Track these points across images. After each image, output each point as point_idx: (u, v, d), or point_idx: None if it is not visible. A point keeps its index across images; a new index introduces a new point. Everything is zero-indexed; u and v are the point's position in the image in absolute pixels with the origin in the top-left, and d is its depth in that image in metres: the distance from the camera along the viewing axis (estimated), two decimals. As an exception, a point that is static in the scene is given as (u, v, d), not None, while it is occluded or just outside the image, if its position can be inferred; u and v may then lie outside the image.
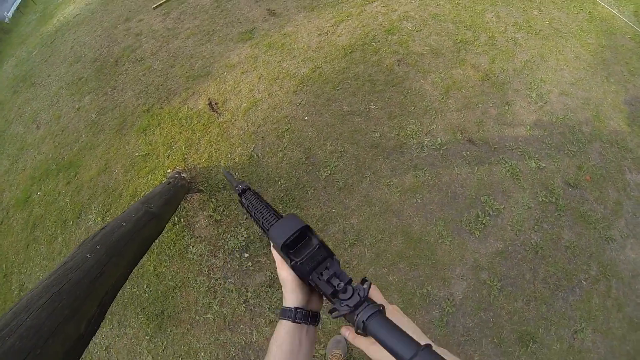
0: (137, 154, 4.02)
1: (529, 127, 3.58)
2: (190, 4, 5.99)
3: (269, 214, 0.85)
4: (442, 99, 3.76)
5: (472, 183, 3.23)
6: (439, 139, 3.45)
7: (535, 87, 3.89)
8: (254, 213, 0.90)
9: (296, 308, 0.77)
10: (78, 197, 4.03)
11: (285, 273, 0.78)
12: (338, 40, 4.52)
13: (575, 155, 3.45)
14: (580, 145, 3.51)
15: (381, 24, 4.63)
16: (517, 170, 3.30)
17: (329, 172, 3.38)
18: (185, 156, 3.79)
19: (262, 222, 0.85)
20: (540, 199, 3.17)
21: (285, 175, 3.45)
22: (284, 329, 0.76)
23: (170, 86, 4.59)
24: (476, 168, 3.30)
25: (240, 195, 0.98)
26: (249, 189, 0.99)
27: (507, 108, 3.70)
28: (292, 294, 0.78)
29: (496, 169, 3.30)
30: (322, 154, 3.51)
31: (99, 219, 3.73)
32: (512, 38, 4.40)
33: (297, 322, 0.76)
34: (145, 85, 4.75)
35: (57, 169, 4.43)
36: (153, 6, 6.26)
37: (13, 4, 13.32)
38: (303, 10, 5.11)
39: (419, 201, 3.15)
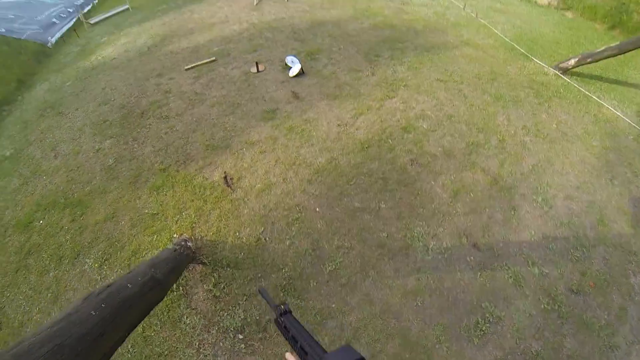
0: (146, 210, 4.05)
1: (533, 232, 3.60)
2: (220, 73, 6.30)
3: (314, 342, 0.85)
4: (451, 202, 3.82)
5: (474, 289, 3.21)
6: (444, 243, 3.47)
7: (542, 191, 3.97)
8: (295, 336, 0.89)
9: None
10: (80, 237, 4.01)
11: None
12: (356, 133, 4.68)
13: (579, 261, 3.45)
14: (584, 250, 3.52)
15: (399, 121, 4.83)
16: (520, 276, 3.28)
17: (333, 266, 3.38)
18: (194, 225, 3.80)
19: (305, 348, 0.84)
20: (542, 306, 3.13)
21: (290, 263, 3.43)
22: None
23: (190, 151, 4.70)
24: (479, 274, 3.29)
25: (281, 315, 0.98)
26: (291, 312, 1.00)
27: (513, 213, 3.75)
28: None
29: (499, 275, 3.29)
30: (329, 247, 3.51)
31: (96, 265, 3.70)
32: (521, 141, 4.55)
33: None
34: (166, 144, 4.88)
35: (65, 203, 4.46)
36: (185, 67, 6.59)
37: (58, 32, 14.06)
38: (326, 98, 5.36)
39: (420, 304, 3.12)
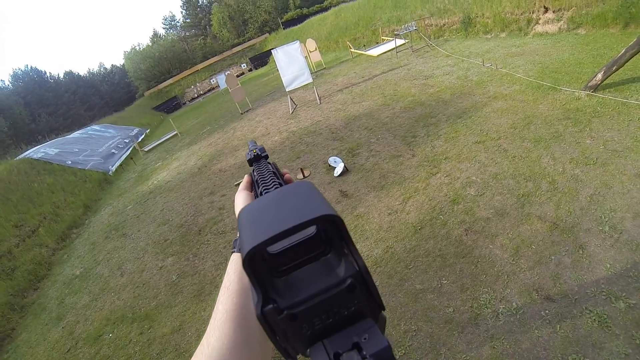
0: (212, 320, 4.17)
1: (608, 265, 3.31)
2: None
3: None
4: (513, 260, 3.66)
5: (556, 343, 2.93)
6: (514, 304, 3.27)
7: (607, 219, 3.70)
8: (258, 181, 0.71)
9: None
10: (148, 349, 4.18)
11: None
12: (407, 217, 4.72)
13: None
14: None
15: (446, 195, 4.84)
16: (605, 316, 2.96)
17: (403, 352, 3.26)
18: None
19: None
20: (638, 342, 2.75)
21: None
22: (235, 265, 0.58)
23: None
24: (558, 326, 3.02)
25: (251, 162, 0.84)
26: (267, 157, 0.85)
27: (581, 252, 3.50)
28: None
29: (581, 322, 2.99)
30: (396, 334, 3.42)
31: None
32: (572, 176, 4.36)
33: None
34: (225, 258, 5.15)
35: (133, 317, 4.74)
36: (235, 183, 7.17)
37: (117, 161, 15.79)
38: (373, 190, 5.52)
39: (500, 373, 2.88)
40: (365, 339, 0.34)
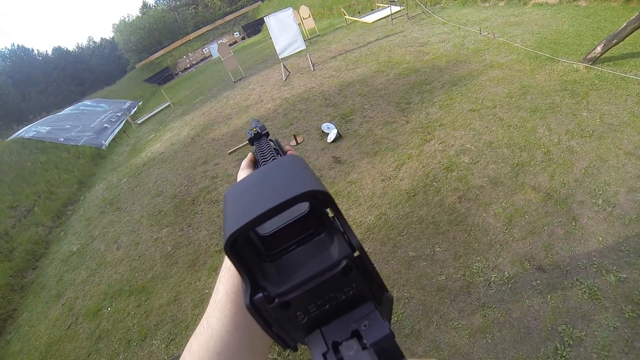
0: (207, 290, 4.25)
1: (600, 238, 3.33)
2: None
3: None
4: (506, 229, 3.68)
5: (546, 313, 2.98)
6: (506, 273, 3.31)
7: (600, 192, 3.72)
8: (258, 160, 0.71)
9: None
10: (146, 321, 4.26)
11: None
12: (401, 184, 4.71)
13: None
14: None
15: (440, 162, 4.82)
16: (595, 289, 3.01)
17: (395, 319, 3.31)
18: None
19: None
20: (627, 315, 2.80)
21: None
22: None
23: None
24: (549, 296, 3.06)
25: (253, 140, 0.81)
26: (267, 134, 0.82)
27: (574, 224, 3.52)
28: None
29: (571, 293, 3.04)
30: None
31: (163, 345, 3.87)
32: (567, 147, 4.35)
33: None
34: (219, 227, 5.17)
35: (130, 290, 4.82)
36: (228, 152, 7.12)
37: (110, 135, 15.64)
38: (366, 156, 5.49)
39: (490, 341, 2.94)
40: (365, 326, 0.32)
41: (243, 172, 0.69)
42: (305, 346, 0.34)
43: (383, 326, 0.31)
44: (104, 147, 14.08)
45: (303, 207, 0.40)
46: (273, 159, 0.61)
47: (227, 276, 0.52)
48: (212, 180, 6.62)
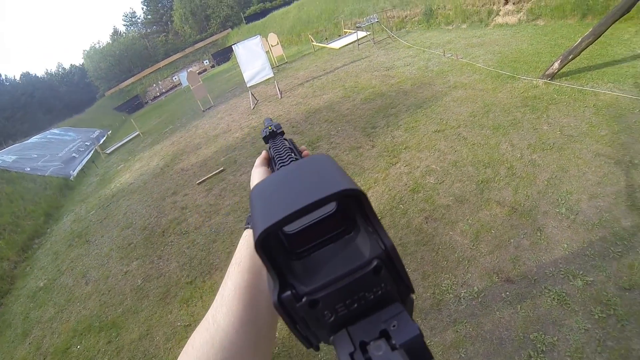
0: (179, 323, 4.11)
1: (566, 245, 3.43)
2: (230, 182, 6.76)
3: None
4: (473, 245, 3.74)
5: (517, 323, 3.02)
6: (475, 288, 3.35)
7: (563, 201, 3.84)
8: (274, 157, 0.69)
9: None
10: (117, 357, 4.09)
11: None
12: None
13: (622, 256, 3.20)
14: (624, 243, 3.28)
15: (406, 184, 4.90)
16: (564, 294, 3.07)
17: None
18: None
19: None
20: (596, 316, 2.87)
21: (324, 347, 3.35)
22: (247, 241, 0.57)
23: (212, 261, 4.88)
24: (519, 306, 3.11)
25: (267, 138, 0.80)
26: (282, 133, 0.81)
27: (539, 234, 3.61)
28: None
29: (541, 301, 3.09)
30: None
31: None
32: (529, 161, 4.50)
33: None
34: (189, 258, 5.10)
35: (100, 326, 4.62)
36: (197, 182, 7.05)
37: (78, 165, 15.22)
38: None
39: (463, 356, 2.94)
40: (394, 326, 0.31)
41: (257, 170, 0.69)
42: (329, 346, 0.33)
43: (413, 327, 0.30)
44: (72, 177, 13.68)
45: (329, 205, 0.40)
46: (290, 158, 0.62)
47: (237, 272, 0.52)
48: (181, 211, 6.51)
